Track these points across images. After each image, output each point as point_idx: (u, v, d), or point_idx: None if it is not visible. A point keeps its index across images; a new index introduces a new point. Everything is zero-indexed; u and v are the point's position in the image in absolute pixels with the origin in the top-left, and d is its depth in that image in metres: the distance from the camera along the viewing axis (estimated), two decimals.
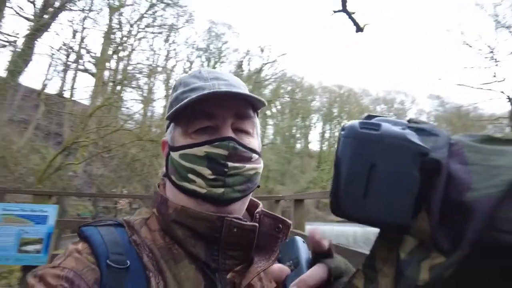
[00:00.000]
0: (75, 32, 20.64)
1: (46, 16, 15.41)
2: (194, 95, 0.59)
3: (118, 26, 22.62)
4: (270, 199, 5.68)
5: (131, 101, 25.84)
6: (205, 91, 0.60)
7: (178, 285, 0.56)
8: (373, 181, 0.43)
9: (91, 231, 0.58)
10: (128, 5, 22.29)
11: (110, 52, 21.82)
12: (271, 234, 0.65)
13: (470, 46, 24.69)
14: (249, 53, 33.28)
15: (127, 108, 19.77)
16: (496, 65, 23.01)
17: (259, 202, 0.72)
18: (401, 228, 0.43)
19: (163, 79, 28.16)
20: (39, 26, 15.01)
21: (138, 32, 24.27)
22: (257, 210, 0.68)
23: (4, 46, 14.10)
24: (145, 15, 23.78)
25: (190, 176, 0.60)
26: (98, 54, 21.69)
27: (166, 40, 29.30)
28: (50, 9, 15.53)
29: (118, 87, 20.27)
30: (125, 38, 23.10)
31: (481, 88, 23.36)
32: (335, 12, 8.87)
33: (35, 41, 15.43)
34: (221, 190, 0.59)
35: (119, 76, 21.60)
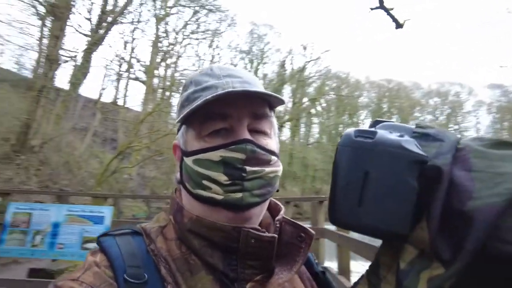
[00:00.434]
0: (126, 43, 22.00)
1: (100, 31, 16.54)
2: (208, 95, 0.55)
3: (164, 35, 23.67)
4: (314, 199, 5.56)
5: None
6: (219, 90, 0.56)
7: None
8: (367, 189, 0.43)
9: (108, 243, 0.56)
10: (172, 14, 23.19)
11: (158, 60, 22.87)
12: (292, 243, 0.60)
13: None
14: (292, 52, 33.13)
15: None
16: None
17: (281, 205, 0.67)
18: (398, 237, 0.41)
19: None
20: (95, 40, 16.17)
21: (184, 39, 25.21)
22: (278, 217, 0.63)
23: (66, 61, 15.36)
24: (189, 22, 24.61)
25: (205, 183, 0.56)
26: (147, 63, 22.86)
27: (210, 45, 30.06)
28: (104, 24, 16.64)
29: (167, 93, 21.24)
30: (171, 46, 24.09)
31: None
32: (372, 9, 8.45)
33: (92, 55, 16.62)
34: (239, 194, 0.55)
35: (168, 83, 22.58)
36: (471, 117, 42.51)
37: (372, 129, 0.47)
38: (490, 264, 0.35)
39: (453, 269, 0.34)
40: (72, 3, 14.50)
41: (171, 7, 22.87)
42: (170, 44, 24.02)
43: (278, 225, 0.61)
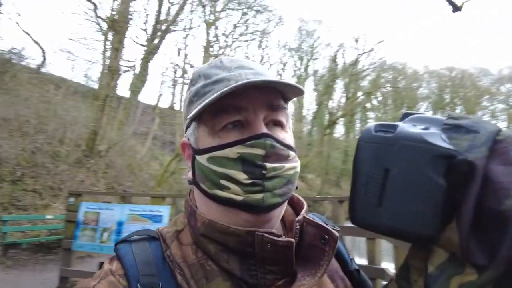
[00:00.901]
0: (179, 50, 23.05)
1: (155, 40, 17.51)
2: (220, 88, 0.52)
3: (215, 39, 24.33)
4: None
5: None
6: (231, 83, 0.53)
7: None
8: (388, 188, 0.40)
9: (124, 251, 0.55)
10: (222, 18, 23.74)
11: None
12: (315, 245, 0.55)
13: None
14: (343, 45, 32.07)
15: None
16: None
17: (304, 202, 0.63)
18: (423, 239, 0.38)
19: None
20: (151, 49, 17.15)
21: (233, 42, 25.71)
22: (298, 217, 0.58)
23: (126, 71, 16.51)
24: (238, 25, 25.03)
25: (223, 182, 0.52)
26: None
27: (259, 46, 30.32)
28: (158, 33, 17.58)
29: None
30: (222, 50, 24.70)
31: None
32: None
33: (149, 63, 17.66)
34: (260, 195, 0.51)
35: None
36: None
37: (396, 122, 0.44)
38: None
39: (486, 277, 0.31)
40: (129, 16, 15.55)
41: (220, 12, 23.46)
42: (220, 48, 24.65)
43: (297, 227, 0.57)
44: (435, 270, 0.37)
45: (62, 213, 9.00)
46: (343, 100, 31.17)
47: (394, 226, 0.39)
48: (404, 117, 0.46)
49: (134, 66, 16.95)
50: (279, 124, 0.57)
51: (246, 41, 27.02)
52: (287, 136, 0.58)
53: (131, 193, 7.19)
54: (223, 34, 25.02)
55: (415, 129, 0.40)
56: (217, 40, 24.77)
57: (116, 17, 14.74)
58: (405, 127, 0.41)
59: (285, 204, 0.58)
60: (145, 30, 18.31)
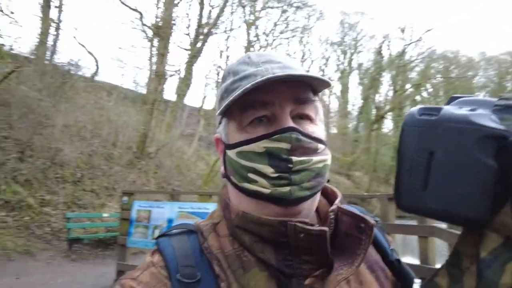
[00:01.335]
0: (221, 52, 23.52)
1: (198, 44, 18.04)
2: (247, 84, 0.52)
3: (255, 39, 24.52)
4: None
5: None
6: (258, 78, 0.53)
7: None
8: (433, 171, 0.40)
9: (164, 244, 0.58)
10: (261, 17, 23.84)
11: None
12: (352, 234, 0.55)
13: None
14: (388, 36, 30.77)
15: None
16: None
17: (338, 192, 0.62)
18: (473, 223, 0.38)
19: None
20: (194, 53, 17.69)
21: (274, 40, 25.73)
22: (332, 207, 0.58)
23: (172, 75, 17.19)
24: (278, 23, 24.99)
25: (251, 176, 0.54)
26: None
27: (300, 42, 30.04)
28: (201, 37, 18.09)
29: None
30: (262, 49, 24.81)
31: None
32: None
33: (193, 67, 18.22)
34: (287, 188, 0.51)
35: None
36: None
37: (441, 106, 0.43)
38: None
39: None
40: (173, 22, 16.16)
41: (259, 11, 23.59)
42: (261, 47, 24.78)
43: (332, 217, 0.57)
44: (488, 255, 0.36)
45: (116, 211, 9.60)
46: (391, 93, 29.91)
47: (441, 208, 0.38)
48: (450, 100, 0.45)
49: (179, 70, 17.62)
50: (307, 118, 0.57)
51: (287, 38, 26.91)
52: (316, 128, 0.58)
53: (179, 191, 7.47)
54: (264, 33, 25.14)
55: (461, 111, 0.39)
56: (258, 39, 24.95)
57: (160, 23, 15.40)
58: (450, 109, 0.40)
59: (317, 196, 0.58)
60: (188, 34, 18.96)
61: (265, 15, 24.39)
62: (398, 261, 0.63)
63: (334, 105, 35.13)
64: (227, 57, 23.60)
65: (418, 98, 34.01)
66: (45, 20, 13.67)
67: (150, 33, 16.57)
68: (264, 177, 0.52)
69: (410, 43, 27.64)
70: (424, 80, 29.42)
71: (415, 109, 0.44)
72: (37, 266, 6.66)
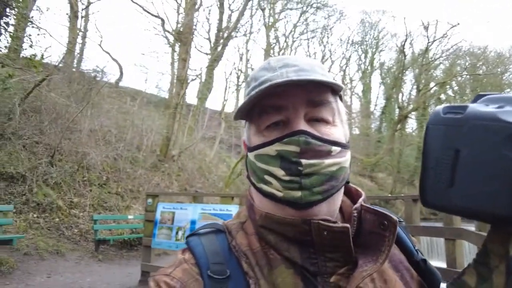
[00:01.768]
0: (241, 55, 23.69)
1: (219, 48, 18.24)
2: (266, 84, 0.54)
3: (275, 41, 24.52)
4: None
5: None
6: (268, 84, 0.54)
7: None
8: (459, 168, 0.40)
9: (194, 242, 0.60)
10: (281, 19, 23.82)
11: None
12: (376, 232, 0.55)
13: None
14: (410, 34, 30.03)
15: None
16: None
17: (361, 191, 0.63)
18: (501, 220, 0.38)
19: None
20: (215, 57, 17.90)
21: (294, 41, 25.65)
22: (356, 205, 0.58)
23: (193, 80, 17.44)
24: (297, 24, 24.90)
25: (267, 177, 0.56)
26: None
27: (321, 42, 29.79)
28: (221, 41, 18.28)
29: None
30: (282, 51, 24.78)
31: None
32: None
33: (213, 71, 18.43)
34: (298, 193, 0.53)
35: None
36: None
37: (467, 103, 0.43)
38: None
39: None
40: (194, 27, 16.43)
41: (279, 13, 23.59)
42: (281, 49, 24.76)
43: (355, 214, 0.57)
44: None
45: (141, 213, 9.81)
46: (414, 92, 29.10)
47: (467, 206, 0.38)
48: (476, 98, 0.44)
49: (200, 74, 17.85)
50: (323, 120, 0.57)
51: (307, 39, 26.76)
52: (334, 130, 0.58)
53: (202, 193, 7.58)
54: (283, 35, 25.10)
55: (487, 108, 0.39)
56: (278, 41, 24.94)
57: (181, 29, 15.68)
58: (476, 107, 0.40)
59: (337, 197, 0.59)
60: (208, 39, 19.21)
61: (284, 17, 24.37)
62: (424, 261, 0.63)
63: (356, 105, 34.58)
64: (247, 60, 23.74)
65: (443, 96, 32.96)
66: (73, 29, 14.23)
67: (171, 38, 16.91)
68: (277, 180, 0.54)
69: (434, 40, 26.86)
70: (449, 78, 28.45)
71: (440, 107, 0.44)
72: (66, 266, 6.91)
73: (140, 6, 15.66)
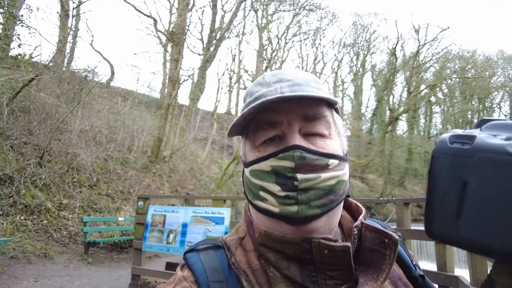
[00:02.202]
0: (233, 56, 23.65)
1: (211, 49, 18.18)
2: (258, 102, 0.54)
3: (267, 43, 24.54)
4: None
5: None
6: (260, 101, 0.54)
7: None
8: (466, 201, 0.39)
9: (193, 259, 0.59)
10: (274, 21, 23.87)
11: (263, 68, 23.86)
12: (376, 250, 0.55)
13: None
14: (402, 37, 30.36)
15: None
16: None
17: (362, 208, 0.62)
18: (508, 255, 0.36)
19: None
20: (207, 58, 17.83)
21: (286, 43, 25.70)
22: (356, 223, 0.58)
23: (185, 80, 17.34)
24: (290, 26, 24.97)
25: (262, 194, 0.55)
26: (254, 72, 24.08)
27: (313, 45, 29.92)
28: (213, 42, 18.23)
29: None
30: (275, 52, 24.81)
31: None
32: None
33: (206, 71, 18.37)
34: (294, 208, 0.51)
35: None
36: None
37: (473, 132, 0.41)
38: None
39: None
40: (186, 28, 16.34)
41: (272, 15, 23.62)
42: (273, 50, 24.79)
43: (356, 232, 0.57)
44: None
45: (131, 215, 9.72)
46: (405, 94, 29.41)
47: (475, 239, 0.37)
48: (480, 124, 0.43)
49: (192, 75, 17.77)
50: (318, 134, 0.57)
51: (300, 41, 26.85)
52: (330, 143, 0.57)
53: (194, 196, 7.53)
54: (276, 36, 25.14)
55: (496, 140, 0.38)
56: (270, 43, 24.97)
57: (174, 29, 15.59)
58: (483, 137, 0.39)
59: (336, 212, 0.57)
60: (201, 39, 19.13)
61: (277, 19, 24.42)
62: (423, 277, 0.63)
63: (348, 107, 34.81)
64: (240, 61, 23.72)
65: (433, 99, 33.36)
66: (63, 28, 14.03)
67: (164, 39, 16.80)
68: (273, 196, 0.53)
69: (425, 43, 27.20)
70: (439, 81, 28.81)
71: (446, 136, 0.43)
72: (55, 269, 6.80)
73: (132, 5, 15.54)
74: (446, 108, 36.14)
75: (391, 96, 30.39)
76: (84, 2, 15.60)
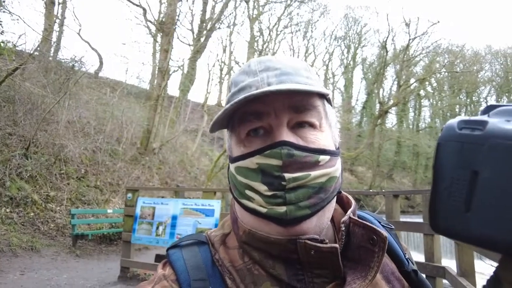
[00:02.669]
0: (224, 47, 23.43)
1: (202, 39, 17.95)
2: (241, 97, 0.49)
3: (259, 34, 24.37)
4: (425, 192, 4.99)
5: None
6: (253, 89, 0.51)
7: None
8: (477, 192, 0.36)
9: (175, 256, 0.56)
10: (265, 12, 23.68)
11: None
12: (364, 246, 0.52)
13: None
14: (393, 30, 30.47)
15: None
16: None
17: (352, 200, 0.60)
18: None
19: None
20: (198, 49, 17.62)
21: (277, 35, 25.56)
22: (344, 218, 0.55)
23: (175, 71, 17.14)
24: (281, 18, 24.81)
25: (248, 193, 0.51)
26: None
27: (304, 37, 29.83)
28: (204, 32, 18.00)
29: None
30: (266, 44, 24.67)
31: None
32: None
33: (196, 62, 18.16)
34: (283, 209, 0.48)
35: None
36: None
37: (483, 117, 0.38)
38: None
39: None
40: (176, 18, 16.08)
41: (263, 6, 23.41)
42: (264, 42, 24.64)
43: (343, 228, 0.54)
44: None
45: (120, 207, 9.62)
46: (395, 88, 29.64)
47: (487, 233, 0.34)
48: (488, 110, 0.40)
49: (182, 66, 17.57)
50: (309, 124, 0.53)
51: (291, 33, 26.73)
52: (321, 136, 0.53)
53: (184, 188, 7.48)
54: (267, 27, 24.98)
55: (510, 125, 0.35)
56: (261, 34, 24.80)
57: (164, 19, 15.33)
58: (496, 123, 0.36)
59: (327, 210, 0.54)
60: (191, 30, 18.87)
61: (268, 10, 24.23)
62: (416, 271, 0.61)
63: (338, 100, 34.97)
64: (231, 52, 23.51)
65: (422, 92, 33.73)
66: (49, 16, 13.66)
67: (153, 29, 16.52)
68: (260, 195, 0.50)
69: (415, 37, 27.35)
70: (429, 75, 29.09)
71: (454, 121, 0.39)
72: (42, 262, 6.71)
73: None
74: (434, 102, 36.62)
75: (381, 90, 30.66)
76: None
